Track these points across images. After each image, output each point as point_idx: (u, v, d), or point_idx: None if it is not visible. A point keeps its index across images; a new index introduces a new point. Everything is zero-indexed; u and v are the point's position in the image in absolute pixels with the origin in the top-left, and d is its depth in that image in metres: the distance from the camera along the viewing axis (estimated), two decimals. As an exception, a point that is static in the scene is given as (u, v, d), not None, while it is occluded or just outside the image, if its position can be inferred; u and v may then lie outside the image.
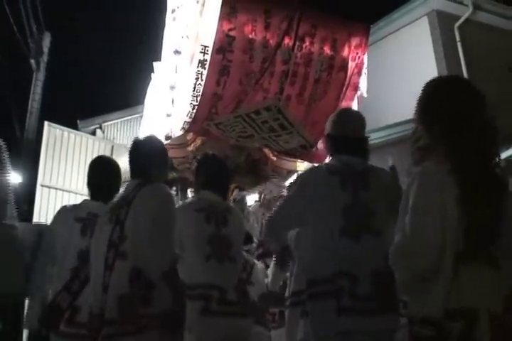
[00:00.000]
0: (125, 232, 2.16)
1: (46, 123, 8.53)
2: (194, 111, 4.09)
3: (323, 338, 1.98)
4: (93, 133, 10.19)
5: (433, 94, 1.75)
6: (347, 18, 4.57)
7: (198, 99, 4.05)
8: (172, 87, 4.02)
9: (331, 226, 2.09)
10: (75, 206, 2.85)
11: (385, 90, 9.72)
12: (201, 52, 3.95)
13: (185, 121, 4.15)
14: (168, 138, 4.23)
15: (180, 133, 4.27)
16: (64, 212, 2.78)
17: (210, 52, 3.96)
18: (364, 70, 4.40)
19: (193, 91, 4.02)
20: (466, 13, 8.88)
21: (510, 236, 1.53)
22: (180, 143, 4.64)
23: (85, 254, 2.52)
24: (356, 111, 2.85)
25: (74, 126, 9.75)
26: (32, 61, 9.22)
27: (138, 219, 2.16)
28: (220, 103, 4.12)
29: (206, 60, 3.97)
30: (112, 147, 9.44)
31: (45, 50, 9.40)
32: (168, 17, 3.90)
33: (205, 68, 3.98)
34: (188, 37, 3.91)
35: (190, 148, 4.74)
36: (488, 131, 1.65)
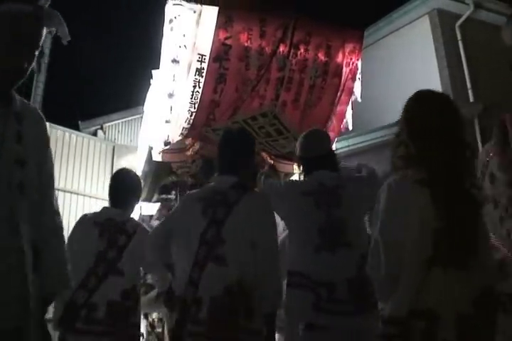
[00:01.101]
0: (222, 235, 2.27)
1: (48, 124, 8.80)
2: (192, 117, 4.32)
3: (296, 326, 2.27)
4: (94, 134, 10.46)
5: (414, 108, 1.96)
6: (346, 19, 4.76)
7: (196, 105, 4.28)
8: (170, 95, 4.24)
9: (309, 243, 2.43)
10: (95, 213, 3.14)
11: (386, 89, 9.92)
12: (198, 61, 4.17)
13: (183, 127, 4.38)
14: (167, 143, 4.46)
15: (179, 138, 4.49)
16: (83, 219, 3.08)
17: (207, 60, 4.18)
18: (358, 76, 4.60)
19: (191, 98, 4.25)
20: (467, 11, 9.05)
21: (480, 241, 1.69)
22: (179, 147, 4.85)
23: (103, 254, 2.82)
24: (320, 132, 3.10)
25: (75, 127, 10.05)
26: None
27: (242, 223, 2.30)
28: (218, 109, 4.35)
29: (203, 69, 4.19)
30: (113, 148, 9.75)
31: (46, 51, 9.63)
32: (166, 27, 4.11)
33: (202, 76, 4.20)
34: (185, 46, 4.12)
35: (188, 153, 4.95)
36: (463, 146, 1.85)
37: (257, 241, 2.29)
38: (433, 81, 9.39)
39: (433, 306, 1.59)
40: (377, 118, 9.65)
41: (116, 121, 10.73)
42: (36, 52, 1.69)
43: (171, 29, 4.11)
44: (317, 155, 2.72)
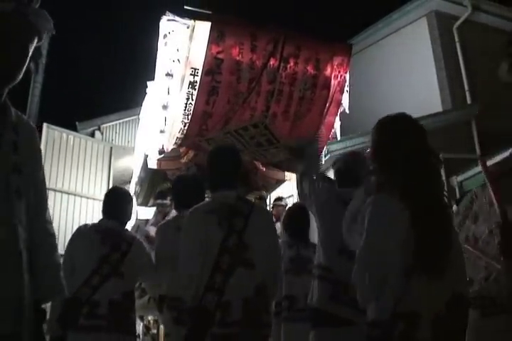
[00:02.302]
0: (245, 241, 2.61)
1: (45, 125, 8.98)
2: (186, 128, 4.64)
3: None
4: (92, 134, 10.73)
5: (381, 132, 2.24)
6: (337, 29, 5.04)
7: (189, 117, 4.60)
8: (165, 106, 4.57)
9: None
10: (93, 223, 3.54)
11: (384, 90, 10.21)
12: (191, 75, 4.48)
13: (177, 137, 4.71)
14: (161, 152, 4.79)
15: (173, 147, 4.82)
16: (84, 228, 3.44)
17: (199, 74, 4.49)
18: (346, 88, 4.91)
19: (185, 110, 4.56)
20: (465, 13, 9.33)
21: (453, 251, 1.97)
22: (174, 155, 5.19)
23: (106, 258, 3.17)
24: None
25: (73, 128, 10.31)
26: (30, 63, 9.73)
27: (258, 231, 2.67)
28: (210, 121, 4.66)
29: (196, 82, 4.50)
30: (111, 148, 9.93)
31: (44, 52, 9.88)
32: (160, 42, 4.42)
33: (195, 89, 4.52)
34: (178, 60, 4.44)
35: (183, 160, 5.30)
36: (432, 164, 2.11)
37: (268, 247, 2.72)
38: (431, 82, 9.67)
39: (414, 309, 1.83)
40: (375, 119, 9.94)
41: (114, 122, 11.03)
42: (27, 52, 1.66)
43: (165, 44, 4.42)
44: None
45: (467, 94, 9.43)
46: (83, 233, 3.39)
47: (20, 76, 1.65)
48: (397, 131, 2.17)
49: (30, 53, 1.68)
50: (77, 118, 10.96)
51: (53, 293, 1.79)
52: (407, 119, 2.24)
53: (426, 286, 1.84)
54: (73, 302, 2.98)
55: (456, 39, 9.45)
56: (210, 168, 2.93)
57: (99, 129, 10.99)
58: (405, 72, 9.91)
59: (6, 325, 1.50)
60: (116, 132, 11.16)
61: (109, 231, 3.34)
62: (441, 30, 9.50)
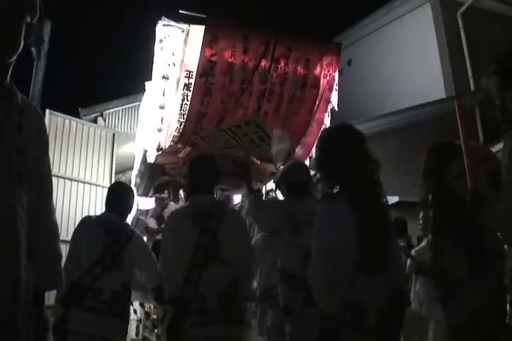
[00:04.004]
0: (218, 240, 3.00)
1: (48, 111, 9.09)
2: (181, 127, 5.13)
3: None
4: (94, 121, 11.03)
5: (324, 143, 2.52)
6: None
7: (185, 116, 5.08)
8: (161, 107, 5.04)
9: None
10: (98, 216, 3.94)
11: (387, 77, 10.57)
12: (186, 77, 4.95)
13: (174, 135, 5.21)
14: (159, 149, 5.29)
15: (170, 144, 5.32)
16: (88, 219, 3.84)
17: (194, 76, 4.95)
18: (335, 86, 5.35)
19: (180, 110, 5.05)
20: (468, -1, 9.58)
21: (393, 249, 2.34)
22: (172, 150, 5.68)
23: (108, 249, 3.55)
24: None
25: (75, 114, 10.46)
26: (33, 49, 10.12)
27: (230, 232, 3.07)
28: (205, 120, 5.15)
29: (191, 84, 4.98)
30: (114, 135, 9.99)
31: (46, 38, 10.30)
32: (157, 46, 4.88)
33: (190, 90, 4.99)
34: (174, 64, 4.89)
35: (180, 155, 5.79)
36: (372, 170, 2.41)
37: (240, 245, 3.12)
38: (434, 69, 10.01)
39: (360, 301, 2.12)
40: (378, 106, 10.29)
41: (116, 108, 11.41)
42: (28, 17, 1.66)
43: (161, 48, 4.88)
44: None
45: (471, 80, 9.73)
46: (88, 224, 3.85)
47: (19, 48, 1.63)
48: (338, 141, 2.40)
49: (24, 24, 1.66)
50: (80, 105, 11.30)
51: (52, 284, 1.87)
52: (347, 129, 2.50)
53: (370, 281, 2.15)
54: (78, 285, 3.40)
55: (461, 25, 9.68)
56: (190, 175, 3.39)
57: (101, 115, 11.36)
58: (409, 59, 10.21)
59: (5, 311, 1.53)
60: (118, 118, 11.55)
61: (111, 225, 3.81)
62: (445, 16, 9.76)
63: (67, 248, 3.69)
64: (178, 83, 4.96)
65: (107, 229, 3.68)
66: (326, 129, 2.60)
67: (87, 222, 3.80)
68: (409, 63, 10.21)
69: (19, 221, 1.60)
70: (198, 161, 3.43)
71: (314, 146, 5.91)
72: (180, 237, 3.05)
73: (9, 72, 1.67)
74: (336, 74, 5.34)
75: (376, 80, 10.59)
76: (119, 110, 11.55)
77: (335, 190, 2.39)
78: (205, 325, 2.84)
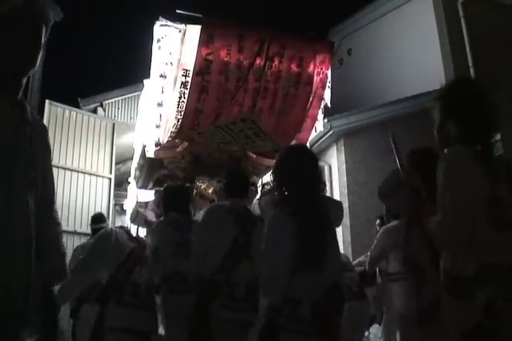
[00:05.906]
0: (251, 240, 3.44)
1: (47, 101, 9.42)
2: (179, 123, 5.50)
3: None
4: (94, 111, 11.31)
5: (281, 160, 2.98)
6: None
7: (182, 113, 5.44)
8: (159, 104, 5.42)
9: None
10: (165, 218, 4.33)
11: (387, 67, 10.85)
12: (183, 75, 5.30)
13: (171, 131, 5.57)
14: (157, 145, 5.68)
15: (168, 140, 5.69)
16: (161, 222, 4.34)
17: (190, 74, 5.30)
18: (328, 84, 5.69)
19: (177, 107, 5.41)
20: (469, -12, 9.77)
21: (330, 250, 2.79)
22: (170, 145, 6.05)
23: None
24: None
25: (75, 104, 10.78)
26: (31, 39, 10.40)
27: (259, 236, 3.32)
28: (201, 116, 5.51)
29: (188, 82, 5.32)
30: (114, 125, 10.31)
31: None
32: (154, 46, 5.22)
33: (187, 88, 5.34)
34: (171, 63, 5.25)
35: (178, 149, 6.16)
36: (318, 187, 2.91)
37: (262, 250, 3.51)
38: (434, 58, 10.25)
39: (297, 296, 2.61)
40: (379, 95, 10.58)
41: (116, 99, 11.73)
42: (40, 42, 1.83)
43: (159, 48, 5.22)
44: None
45: (471, 70, 9.96)
46: (161, 224, 4.25)
47: (37, 64, 1.80)
48: (292, 160, 2.90)
49: (42, 42, 1.84)
50: (80, 95, 11.61)
51: (60, 277, 2.00)
52: (301, 150, 3.06)
53: (306, 280, 2.63)
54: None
55: (461, 14, 9.85)
56: (227, 179, 3.99)
57: (101, 106, 11.67)
58: (409, 48, 10.46)
59: (19, 305, 1.66)
60: (118, 108, 11.87)
61: (180, 223, 4.17)
62: (445, 5, 9.95)
63: (67, 238, 3.99)
64: (175, 81, 5.31)
65: (176, 226, 4.19)
66: (285, 148, 3.17)
67: (158, 223, 4.43)
68: (410, 52, 10.45)
69: (32, 228, 1.73)
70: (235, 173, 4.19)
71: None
72: (221, 230, 3.51)
73: (22, 87, 1.84)
74: (329, 72, 5.68)
75: (376, 69, 10.86)
76: (118, 100, 11.83)
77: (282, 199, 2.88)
78: (234, 310, 3.31)
